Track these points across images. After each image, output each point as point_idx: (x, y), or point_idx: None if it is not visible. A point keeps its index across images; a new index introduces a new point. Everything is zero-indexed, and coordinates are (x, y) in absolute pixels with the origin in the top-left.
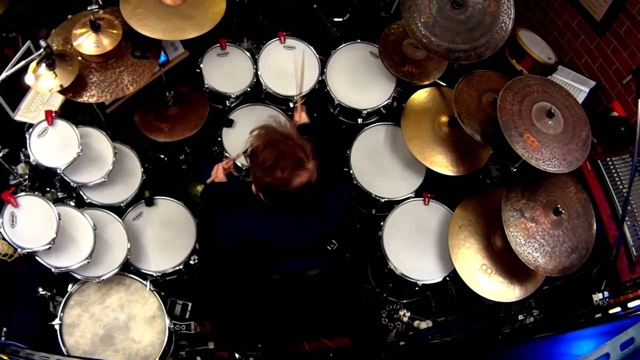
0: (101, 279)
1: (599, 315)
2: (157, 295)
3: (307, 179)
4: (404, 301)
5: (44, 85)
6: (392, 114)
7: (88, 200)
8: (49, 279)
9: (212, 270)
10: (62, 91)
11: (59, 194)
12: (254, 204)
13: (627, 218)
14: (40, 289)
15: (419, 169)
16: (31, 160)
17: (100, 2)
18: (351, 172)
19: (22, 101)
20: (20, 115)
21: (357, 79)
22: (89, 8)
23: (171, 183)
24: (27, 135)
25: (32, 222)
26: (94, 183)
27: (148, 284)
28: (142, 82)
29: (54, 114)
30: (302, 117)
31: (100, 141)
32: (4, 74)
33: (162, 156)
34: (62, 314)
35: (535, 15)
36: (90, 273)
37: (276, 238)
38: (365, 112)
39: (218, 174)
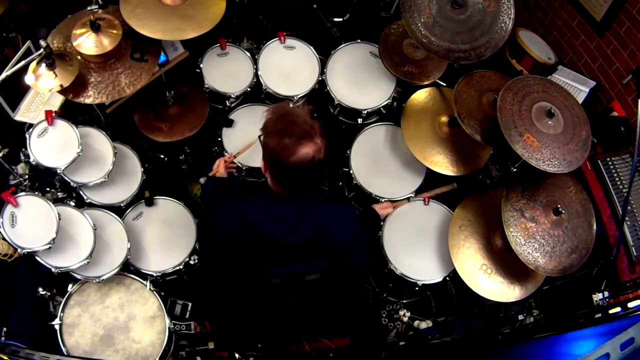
0: (101, 279)
1: (599, 315)
2: (157, 295)
3: (313, 152)
4: (404, 301)
5: (44, 85)
6: (392, 114)
7: (88, 200)
8: (49, 279)
9: (212, 270)
10: (62, 91)
11: (59, 194)
12: (254, 193)
13: (627, 218)
14: (40, 289)
15: (419, 169)
16: (31, 160)
17: (100, 2)
18: (351, 172)
19: (22, 101)
20: (20, 115)
21: (357, 79)
22: (89, 8)
23: (171, 183)
24: (27, 135)
25: (32, 222)
26: (94, 183)
27: (148, 284)
28: (139, 84)
29: (54, 114)
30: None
31: (100, 141)
32: (4, 74)
33: (162, 156)
34: (62, 314)
35: (535, 15)
36: (90, 273)
37: (269, 228)
38: (365, 112)
39: (219, 168)
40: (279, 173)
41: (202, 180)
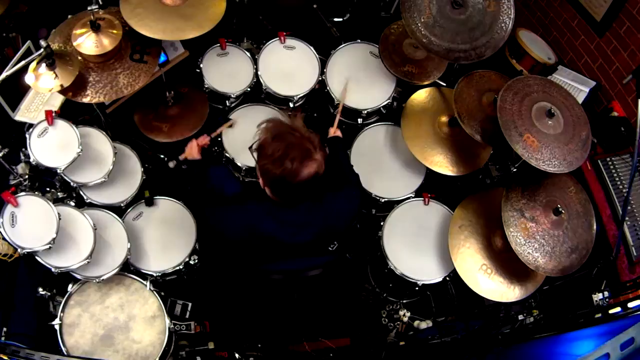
0: (101, 279)
1: (599, 315)
2: (157, 295)
3: (315, 169)
4: (404, 301)
5: (44, 85)
6: (392, 114)
7: (88, 200)
8: (49, 279)
9: (212, 270)
10: (62, 91)
11: (59, 194)
12: (255, 200)
13: (627, 218)
14: (40, 289)
15: (419, 169)
16: (31, 160)
17: (100, 2)
18: None
19: (22, 101)
20: (20, 115)
21: (357, 79)
22: (89, 8)
23: (171, 183)
24: (27, 135)
25: (32, 222)
26: (94, 183)
27: (148, 284)
28: (137, 85)
29: (54, 114)
30: (335, 129)
31: (100, 141)
32: (4, 74)
33: (162, 156)
34: (62, 314)
35: (535, 15)
36: (90, 273)
37: (277, 233)
38: (365, 112)
39: (192, 150)
40: (283, 192)
41: (171, 164)
